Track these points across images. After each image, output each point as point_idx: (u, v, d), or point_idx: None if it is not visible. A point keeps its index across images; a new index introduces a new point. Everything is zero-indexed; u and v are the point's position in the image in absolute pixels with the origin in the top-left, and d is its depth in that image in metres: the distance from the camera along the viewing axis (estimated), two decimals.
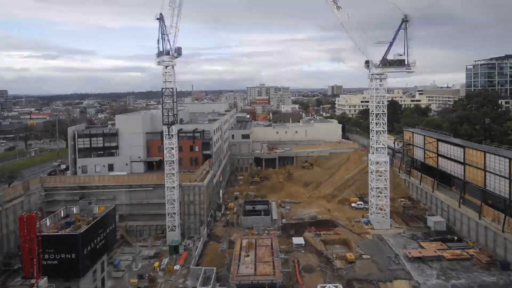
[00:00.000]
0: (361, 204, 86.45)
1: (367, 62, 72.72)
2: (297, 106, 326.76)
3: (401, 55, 71.55)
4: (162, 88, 66.69)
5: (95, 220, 50.06)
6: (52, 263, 44.48)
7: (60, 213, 53.78)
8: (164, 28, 64.16)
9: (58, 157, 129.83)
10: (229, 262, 55.17)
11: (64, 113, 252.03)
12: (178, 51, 66.59)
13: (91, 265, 48.26)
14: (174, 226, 67.98)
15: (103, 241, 51.07)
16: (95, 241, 48.82)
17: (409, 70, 72.21)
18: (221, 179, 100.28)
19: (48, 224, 49.51)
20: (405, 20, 68.94)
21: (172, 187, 67.57)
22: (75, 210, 54.89)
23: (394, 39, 70.36)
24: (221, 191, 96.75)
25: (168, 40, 64.84)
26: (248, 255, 57.53)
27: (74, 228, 48.44)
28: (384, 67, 72.00)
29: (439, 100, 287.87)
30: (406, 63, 71.55)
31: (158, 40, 65.34)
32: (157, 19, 63.70)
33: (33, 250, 41.09)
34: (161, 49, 65.60)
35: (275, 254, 57.68)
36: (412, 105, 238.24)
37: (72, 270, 45.04)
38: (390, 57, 72.25)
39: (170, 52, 65.23)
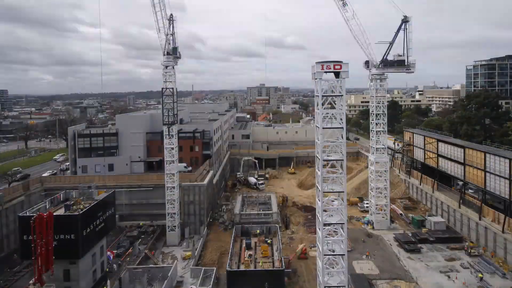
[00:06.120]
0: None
1: (366, 62, 72.77)
2: (297, 106, 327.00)
3: (400, 55, 71.72)
4: (162, 88, 66.74)
5: (95, 202, 50.17)
6: None
7: (60, 196, 53.97)
8: (171, 29, 65.03)
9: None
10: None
11: (64, 113, 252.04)
12: (174, 51, 66.64)
13: (91, 246, 48.33)
14: (174, 226, 68.02)
15: (103, 224, 51.14)
16: (95, 223, 48.89)
17: (409, 71, 72.37)
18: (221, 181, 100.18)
19: (47, 207, 49.59)
20: (404, 21, 69.24)
21: (172, 187, 67.62)
22: (74, 194, 54.98)
23: (394, 39, 70.55)
24: (221, 191, 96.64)
25: (174, 40, 65.58)
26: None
27: (73, 210, 48.27)
28: (384, 67, 72.09)
29: (439, 101, 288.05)
30: (406, 63, 71.76)
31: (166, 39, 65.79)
32: (168, 19, 64.48)
33: (50, 252, 40.43)
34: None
35: (275, 254, 57.69)
36: (412, 106, 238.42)
37: (72, 251, 45.03)
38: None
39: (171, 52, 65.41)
